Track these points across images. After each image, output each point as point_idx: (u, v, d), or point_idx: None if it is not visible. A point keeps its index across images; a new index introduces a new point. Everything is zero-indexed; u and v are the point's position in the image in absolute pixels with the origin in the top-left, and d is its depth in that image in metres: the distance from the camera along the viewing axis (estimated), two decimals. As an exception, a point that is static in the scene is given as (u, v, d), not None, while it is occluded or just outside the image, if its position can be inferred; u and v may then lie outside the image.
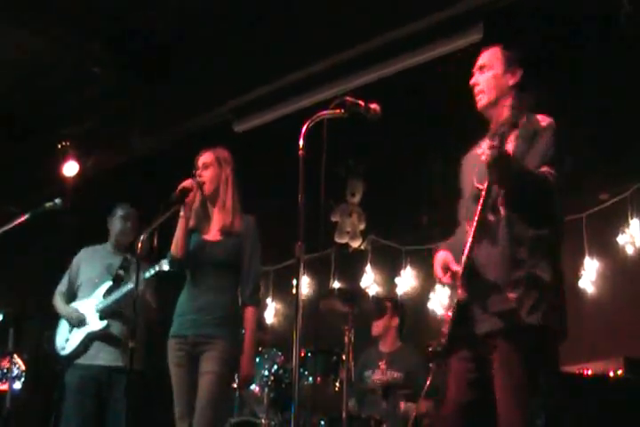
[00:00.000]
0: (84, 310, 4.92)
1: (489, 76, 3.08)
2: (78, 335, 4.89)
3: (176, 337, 3.94)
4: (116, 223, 5.16)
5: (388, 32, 5.10)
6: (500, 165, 2.74)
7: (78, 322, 4.88)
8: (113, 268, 5.02)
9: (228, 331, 3.86)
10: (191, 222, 4.03)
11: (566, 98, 5.25)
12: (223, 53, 6.04)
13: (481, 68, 3.12)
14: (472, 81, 3.13)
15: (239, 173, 4.13)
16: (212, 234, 4.05)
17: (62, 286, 5.12)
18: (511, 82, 3.05)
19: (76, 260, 5.18)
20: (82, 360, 4.84)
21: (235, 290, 3.97)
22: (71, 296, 5.06)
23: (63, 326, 5.02)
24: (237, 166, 4.20)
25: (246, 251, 3.98)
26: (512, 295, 2.79)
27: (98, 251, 5.20)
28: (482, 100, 3.09)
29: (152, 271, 4.62)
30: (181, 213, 3.95)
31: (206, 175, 4.03)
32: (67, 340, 4.93)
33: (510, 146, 2.89)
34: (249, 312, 3.94)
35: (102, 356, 4.82)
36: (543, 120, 2.94)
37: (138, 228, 5.10)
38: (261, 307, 4.02)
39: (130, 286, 4.77)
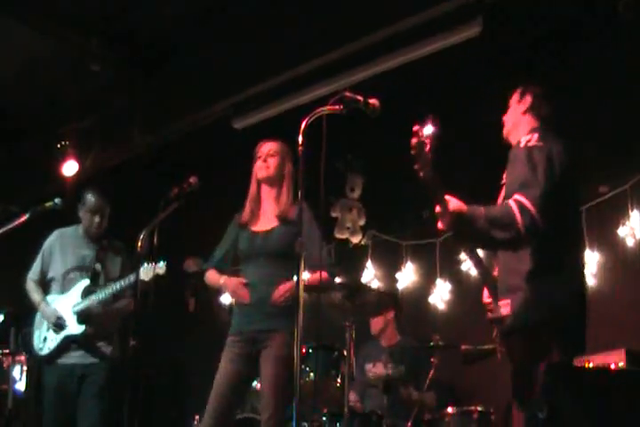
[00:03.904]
0: (63, 311, 4.80)
1: (508, 113, 3.49)
2: (56, 338, 4.80)
3: (234, 334, 3.93)
4: (84, 216, 4.93)
5: (386, 26, 5.10)
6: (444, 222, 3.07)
7: (58, 326, 4.77)
8: (87, 260, 4.85)
9: (287, 322, 3.69)
10: (243, 218, 4.05)
11: (566, 89, 5.25)
12: (222, 50, 6.04)
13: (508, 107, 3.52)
14: (503, 118, 3.51)
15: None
16: (263, 225, 4.03)
17: (34, 274, 4.96)
18: (523, 107, 3.42)
19: (47, 245, 4.99)
20: (59, 360, 4.77)
21: (291, 279, 3.85)
22: (44, 284, 4.92)
23: (40, 321, 4.90)
24: (236, 164, 4.19)
25: (305, 237, 3.90)
26: (507, 301, 3.07)
27: (70, 237, 4.99)
28: (504, 131, 3.48)
29: (150, 275, 4.46)
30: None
31: (272, 162, 4.03)
32: (44, 339, 4.84)
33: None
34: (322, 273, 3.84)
35: (78, 354, 4.75)
36: (524, 141, 3.18)
37: (107, 215, 4.94)
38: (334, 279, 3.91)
39: (109, 291, 4.68)
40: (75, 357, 4.75)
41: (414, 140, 2.94)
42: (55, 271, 4.91)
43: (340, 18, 5.37)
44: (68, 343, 4.76)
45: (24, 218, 4.29)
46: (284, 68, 5.66)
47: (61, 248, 4.96)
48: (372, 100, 3.07)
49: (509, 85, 3.52)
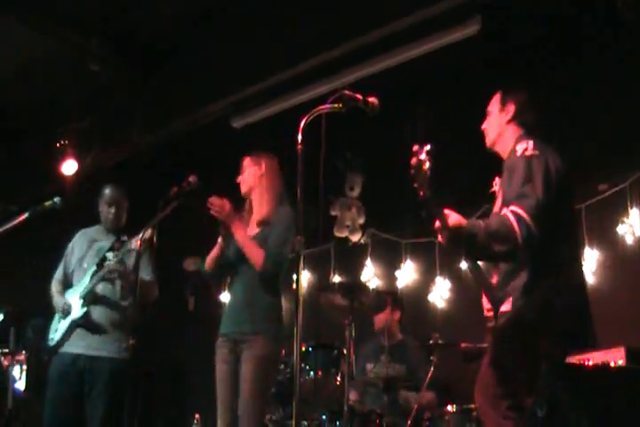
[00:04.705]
0: (72, 300, 4.72)
1: (490, 119, 3.46)
2: (64, 324, 4.72)
3: (221, 335, 4.00)
4: (101, 209, 4.96)
5: (385, 25, 5.10)
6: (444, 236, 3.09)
7: (64, 312, 4.70)
8: (103, 252, 4.78)
9: (267, 327, 3.86)
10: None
11: (566, 88, 5.26)
12: (222, 50, 6.05)
13: (487, 113, 3.49)
14: (482, 126, 3.48)
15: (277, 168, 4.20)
16: (249, 230, 4.09)
17: (58, 274, 4.94)
18: (507, 117, 3.39)
19: (70, 244, 5.00)
20: (64, 349, 4.66)
21: (273, 283, 3.95)
22: (67, 283, 4.88)
23: (55, 317, 4.84)
24: (235, 162, 4.20)
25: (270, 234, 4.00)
26: (509, 301, 3.08)
27: (91, 233, 5.00)
28: (487, 140, 3.45)
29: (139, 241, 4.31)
30: (219, 239, 4.07)
31: (244, 178, 4.16)
32: (56, 330, 4.77)
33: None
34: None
35: (84, 344, 4.63)
36: (520, 149, 3.18)
37: (125, 208, 4.96)
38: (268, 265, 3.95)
39: (106, 268, 4.59)
40: (80, 346, 4.64)
41: (414, 160, 2.99)
42: (74, 267, 4.90)
43: (339, 17, 5.38)
44: (73, 329, 4.67)
45: (24, 217, 4.28)
46: (283, 67, 5.67)
47: (81, 244, 4.96)
48: (372, 99, 3.07)
49: (509, 85, 3.50)
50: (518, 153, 3.15)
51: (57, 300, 4.82)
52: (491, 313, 3.22)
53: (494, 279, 3.30)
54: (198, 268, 6.55)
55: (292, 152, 2.93)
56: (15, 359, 6.24)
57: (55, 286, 4.92)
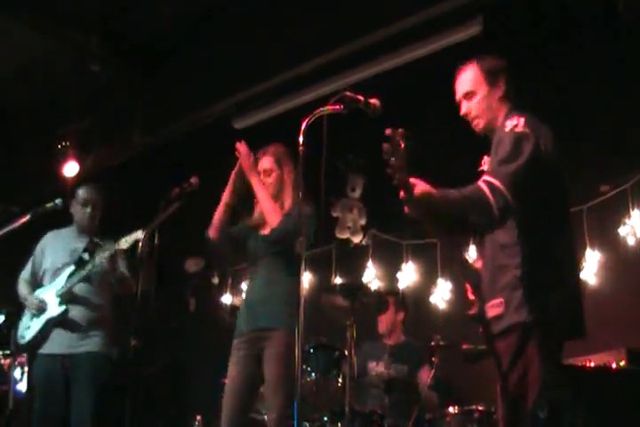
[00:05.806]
0: (47, 298, 4.69)
1: (477, 100, 3.17)
2: (38, 323, 4.67)
3: (237, 336, 3.93)
4: (75, 210, 4.90)
5: (386, 26, 5.10)
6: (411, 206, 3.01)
7: (38, 310, 4.65)
8: (77, 253, 4.73)
9: (287, 321, 3.74)
10: (254, 221, 4.09)
11: (566, 88, 5.26)
12: (222, 50, 6.05)
13: (466, 95, 3.20)
14: (463, 111, 3.21)
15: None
16: (268, 228, 4.06)
17: (25, 273, 4.91)
18: (499, 94, 3.17)
19: (39, 245, 4.96)
20: (44, 350, 4.64)
21: (291, 279, 3.84)
22: (35, 284, 4.85)
23: (26, 315, 4.81)
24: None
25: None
26: (499, 300, 2.95)
27: (62, 235, 4.96)
28: (479, 125, 3.20)
29: (130, 241, 4.37)
30: (227, 189, 4.05)
31: (268, 181, 4.08)
32: (27, 328, 4.72)
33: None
34: None
35: (64, 343, 4.60)
36: (509, 125, 3.02)
37: (100, 209, 4.90)
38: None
39: (90, 267, 4.55)
40: (61, 346, 4.61)
41: (385, 146, 2.84)
42: (45, 266, 4.86)
43: (340, 18, 5.38)
44: (50, 328, 4.63)
45: (26, 219, 4.28)
46: (284, 67, 5.67)
47: (53, 246, 4.92)
48: (373, 100, 3.06)
49: (479, 56, 3.38)
50: (507, 128, 3.01)
51: (29, 298, 4.75)
52: (473, 297, 3.14)
53: (478, 264, 3.20)
54: (199, 269, 6.58)
55: (294, 153, 2.93)
56: (16, 361, 6.22)
57: (23, 286, 4.88)
